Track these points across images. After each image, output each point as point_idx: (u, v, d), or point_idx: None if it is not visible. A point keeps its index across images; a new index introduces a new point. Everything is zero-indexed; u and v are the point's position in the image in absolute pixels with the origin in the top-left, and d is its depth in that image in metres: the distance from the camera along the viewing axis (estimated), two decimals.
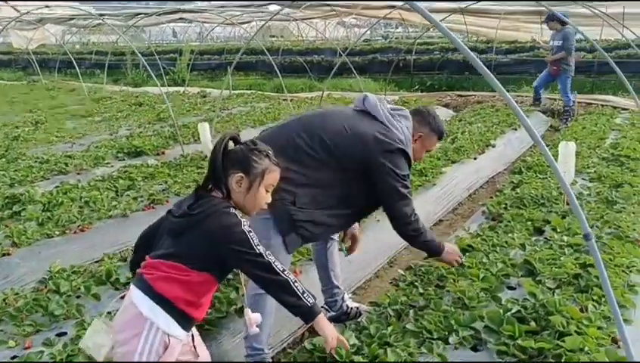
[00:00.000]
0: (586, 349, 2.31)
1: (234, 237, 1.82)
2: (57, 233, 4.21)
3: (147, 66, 8.41)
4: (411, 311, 2.70)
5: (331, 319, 3.25)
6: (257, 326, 2.61)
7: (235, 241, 1.82)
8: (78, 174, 6.22)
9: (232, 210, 1.87)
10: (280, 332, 3.11)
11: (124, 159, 6.95)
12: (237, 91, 14.06)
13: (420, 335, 2.52)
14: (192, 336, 1.99)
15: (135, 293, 1.83)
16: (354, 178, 2.66)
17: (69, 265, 3.56)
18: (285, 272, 1.90)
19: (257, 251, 1.83)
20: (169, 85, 16.17)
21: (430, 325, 2.55)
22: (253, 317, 2.11)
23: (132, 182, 5.50)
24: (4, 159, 6.69)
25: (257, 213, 2.57)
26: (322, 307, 3.28)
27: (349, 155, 2.62)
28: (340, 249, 3.00)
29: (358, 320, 3.02)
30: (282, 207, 2.53)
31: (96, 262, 3.82)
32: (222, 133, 1.98)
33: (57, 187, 5.27)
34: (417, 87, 14.60)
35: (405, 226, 2.78)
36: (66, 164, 6.44)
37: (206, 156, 6.44)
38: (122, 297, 3.23)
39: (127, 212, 4.65)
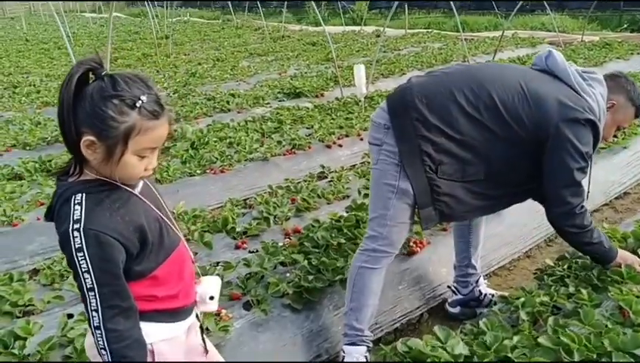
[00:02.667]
0: None
1: (62, 242, 1.25)
2: (198, 172, 4.28)
3: (315, 6, 8.14)
4: (551, 319, 2.09)
5: (458, 302, 2.78)
6: (356, 305, 2.28)
7: (63, 249, 1.26)
8: (238, 113, 6.36)
9: (72, 204, 1.24)
10: (393, 309, 2.72)
11: (283, 100, 6.94)
12: (412, 31, 13.29)
13: (557, 354, 1.92)
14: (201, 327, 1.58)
15: None
16: (518, 153, 2.14)
17: (192, 208, 3.53)
18: (109, 319, 1.26)
19: (80, 274, 1.23)
20: (347, 25, 16.00)
21: (573, 343, 1.93)
22: (203, 290, 1.52)
23: (279, 125, 5.40)
24: (176, 95, 7.10)
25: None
26: (448, 286, 2.82)
27: (521, 120, 2.09)
28: None
29: (484, 314, 2.49)
30: (422, 175, 2.13)
31: (221, 206, 3.77)
32: (79, 61, 1.23)
33: (209, 125, 5.39)
34: (625, 26, 12.27)
35: (566, 218, 2.19)
36: (228, 102, 6.61)
37: (359, 101, 6.10)
38: (237, 248, 3.16)
39: (267, 156, 4.55)
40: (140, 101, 1.21)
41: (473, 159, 2.14)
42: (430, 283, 2.89)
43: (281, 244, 2.97)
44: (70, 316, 2.44)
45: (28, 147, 5.13)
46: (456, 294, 2.79)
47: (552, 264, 2.57)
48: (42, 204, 3.70)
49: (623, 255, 2.31)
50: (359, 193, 3.61)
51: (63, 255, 1.27)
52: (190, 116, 6.08)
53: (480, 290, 2.76)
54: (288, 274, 2.68)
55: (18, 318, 2.48)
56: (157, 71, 9.50)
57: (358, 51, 10.71)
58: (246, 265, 2.74)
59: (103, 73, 1.23)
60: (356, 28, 14.94)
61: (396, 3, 7.56)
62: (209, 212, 3.58)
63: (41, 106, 6.99)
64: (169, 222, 1.42)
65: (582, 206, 2.19)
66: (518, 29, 12.09)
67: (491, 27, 13.61)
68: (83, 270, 1.22)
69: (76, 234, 1.20)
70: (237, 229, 3.22)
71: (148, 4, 14.95)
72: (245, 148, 4.68)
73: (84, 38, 15.35)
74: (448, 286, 2.83)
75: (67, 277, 2.83)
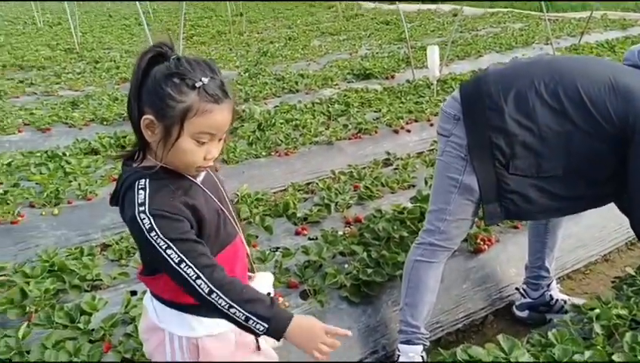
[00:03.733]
0: None
1: (132, 228, 1.24)
2: (263, 154, 4.28)
3: None
4: (629, 334, 1.91)
5: (527, 306, 2.63)
6: (411, 301, 2.20)
7: (135, 235, 1.25)
8: (306, 93, 6.32)
9: (136, 190, 1.23)
10: (456, 309, 2.61)
11: (352, 81, 6.84)
12: (492, 10, 12.68)
13: None
14: None
15: (147, 294, 1.46)
16: (601, 149, 1.95)
17: (255, 190, 3.54)
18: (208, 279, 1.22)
19: (162, 254, 1.21)
20: (423, 2, 15.51)
21: None
22: (257, 288, 1.37)
23: (346, 108, 5.31)
24: (246, 74, 7.15)
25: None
26: (516, 288, 2.67)
27: (607, 114, 1.90)
28: None
29: (557, 318, 2.33)
30: (490, 169, 2.00)
31: (283, 189, 3.76)
32: (153, 44, 1.25)
33: (276, 106, 5.38)
34: None
35: None
36: (297, 83, 6.58)
37: (431, 84, 5.89)
38: (297, 234, 3.14)
39: (332, 140, 4.49)
40: (200, 82, 1.19)
41: (550, 153, 1.97)
42: (496, 284, 2.75)
43: (340, 233, 2.92)
44: (134, 293, 2.51)
45: (105, 122, 5.34)
46: (525, 297, 2.64)
47: (633, 273, 2.36)
48: (115, 180, 3.83)
49: None
50: (426, 183, 3.48)
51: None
52: (259, 96, 6.11)
53: (551, 295, 2.60)
54: (347, 266, 2.62)
55: (86, 291, 2.58)
56: (230, 49, 9.61)
57: (433, 30, 10.36)
58: (305, 253, 2.71)
59: (172, 56, 1.22)
60: (432, 6, 14.45)
61: None
62: (272, 195, 3.58)
63: (120, 82, 7.26)
64: (228, 215, 1.39)
65: None
66: (608, 10, 11.26)
67: (578, 7, 12.75)
68: (163, 247, 1.20)
69: (142, 216, 1.20)
70: (298, 214, 3.19)
71: None
72: (310, 131, 4.63)
73: (163, 14, 15.79)
74: (517, 289, 2.68)
75: (134, 254, 2.91)
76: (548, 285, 2.60)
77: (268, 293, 1.48)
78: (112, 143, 4.56)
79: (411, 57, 6.90)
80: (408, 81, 6.44)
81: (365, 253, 2.63)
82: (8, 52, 9.69)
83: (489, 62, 7.40)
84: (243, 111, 5.06)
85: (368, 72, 6.95)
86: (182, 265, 1.20)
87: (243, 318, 1.22)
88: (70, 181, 3.73)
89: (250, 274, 1.53)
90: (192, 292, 1.22)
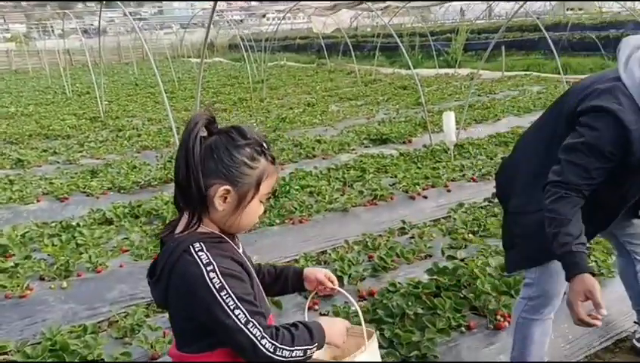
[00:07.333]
0: None
1: (196, 289, 1.19)
2: (277, 222, 4.22)
3: (404, 49, 7.97)
4: None
5: None
6: (517, 354, 2.09)
7: (200, 301, 1.20)
8: (323, 159, 6.32)
9: (194, 253, 1.21)
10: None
11: (369, 146, 6.83)
12: (510, 73, 12.80)
13: None
14: None
15: None
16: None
17: (265, 261, 3.43)
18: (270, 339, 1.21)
19: (229, 313, 1.18)
20: (440, 67, 15.78)
21: None
22: None
23: (362, 173, 5.27)
24: None
25: None
26: (635, 322, 2.52)
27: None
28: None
29: None
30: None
31: (296, 259, 3.66)
32: (193, 116, 1.27)
33: (291, 173, 5.36)
34: None
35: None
36: (314, 148, 6.60)
37: (448, 149, 5.84)
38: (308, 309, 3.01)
39: (347, 207, 4.42)
40: (265, 148, 1.28)
41: None
42: None
43: (352, 309, 2.79)
44: None
45: (122, 191, 5.37)
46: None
47: None
48: (126, 251, 3.80)
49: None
50: (442, 253, 3.36)
51: (192, 301, 1.20)
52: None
53: None
54: None
55: None
56: (250, 115, 9.78)
57: (450, 94, 10.44)
58: None
59: (229, 126, 1.27)
60: (450, 70, 14.67)
61: (492, 44, 7.22)
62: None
63: (140, 149, 7.37)
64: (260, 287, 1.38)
65: None
66: None
67: (597, 69, 12.79)
68: (232, 307, 1.19)
69: (212, 275, 1.19)
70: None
71: (242, 50, 15.68)
72: (325, 198, 4.58)
73: (187, 82, 16.31)
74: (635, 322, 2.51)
75: (138, 332, 2.81)
76: None
77: None
78: (126, 213, 4.55)
79: (427, 121, 6.90)
80: (425, 146, 6.41)
81: (378, 332, 2.49)
82: (36, 121, 10.00)
83: (506, 125, 7.38)
84: None
85: (384, 137, 6.96)
86: (249, 325, 1.20)
87: (304, 356, 1.27)
88: (81, 253, 3.70)
89: None
90: (256, 353, 1.20)
